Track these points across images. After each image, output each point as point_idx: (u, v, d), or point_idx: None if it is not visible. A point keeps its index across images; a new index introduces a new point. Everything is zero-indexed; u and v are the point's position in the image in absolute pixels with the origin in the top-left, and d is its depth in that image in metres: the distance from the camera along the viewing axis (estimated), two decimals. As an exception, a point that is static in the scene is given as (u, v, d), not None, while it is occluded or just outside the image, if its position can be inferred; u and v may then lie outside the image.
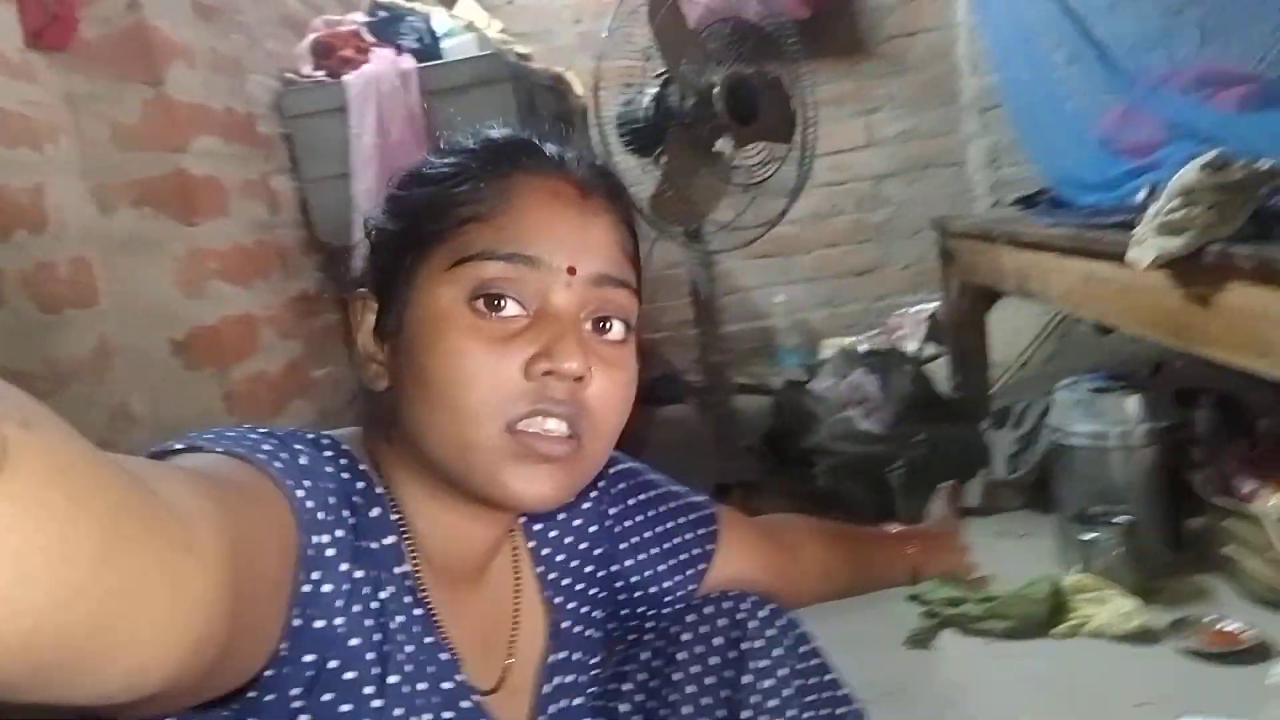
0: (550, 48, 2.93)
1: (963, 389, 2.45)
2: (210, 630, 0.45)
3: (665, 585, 0.87)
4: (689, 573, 0.88)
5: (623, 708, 0.84)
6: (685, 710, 0.81)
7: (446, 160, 0.69)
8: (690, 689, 0.82)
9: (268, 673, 0.54)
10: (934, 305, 3.04)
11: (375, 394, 0.69)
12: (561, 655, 0.79)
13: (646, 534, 0.87)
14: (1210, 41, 1.97)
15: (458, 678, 0.68)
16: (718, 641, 0.83)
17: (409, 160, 2.12)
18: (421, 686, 0.64)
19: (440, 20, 2.17)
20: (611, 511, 0.86)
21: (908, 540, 1.10)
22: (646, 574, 0.86)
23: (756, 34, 2.33)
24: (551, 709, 0.77)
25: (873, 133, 3.28)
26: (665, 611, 0.88)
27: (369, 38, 2.09)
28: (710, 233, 2.36)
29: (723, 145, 2.26)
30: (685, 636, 0.83)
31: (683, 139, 2.17)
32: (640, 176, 2.26)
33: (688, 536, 0.89)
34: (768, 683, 0.82)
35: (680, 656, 0.83)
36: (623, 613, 0.87)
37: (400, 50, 2.06)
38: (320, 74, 2.06)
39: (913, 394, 2.30)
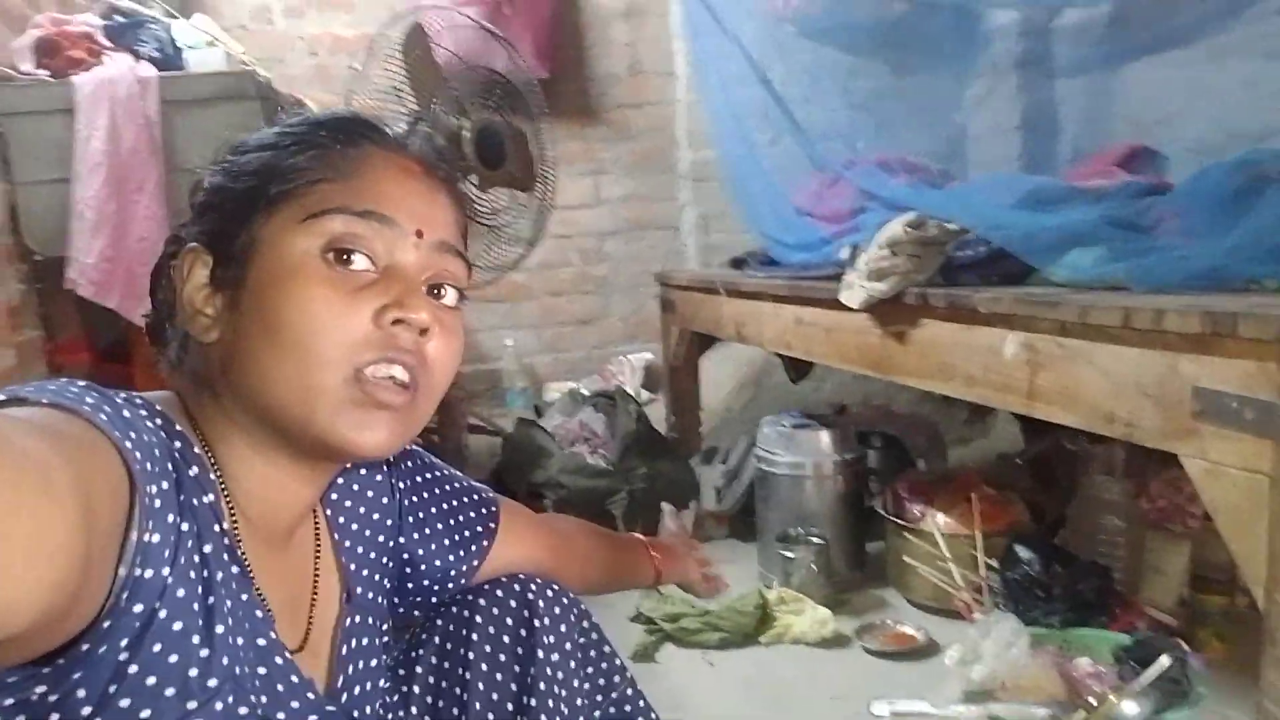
0: (283, 75, 2.88)
1: (677, 429, 2.65)
2: (69, 573, 0.46)
3: (448, 559, 0.91)
4: (471, 549, 0.92)
5: (416, 688, 0.88)
6: (480, 686, 0.87)
7: (291, 128, 0.72)
8: (484, 666, 0.87)
9: (104, 624, 0.54)
10: (648, 354, 3.26)
11: (197, 350, 0.69)
12: (356, 619, 0.80)
13: (432, 510, 0.90)
14: (882, 135, 2.34)
15: (271, 635, 0.68)
16: (510, 620, 0.88)
17: (141, 169, 1.97)
18: (241, 640, 0.64)
19: (182, 32, 2.07)
20: (401, 485, 0.89)
21: (652, 547, 1.21)
22: (431, 548, 0.90)
23: (504, 85, 2.44)
24: (350, 670, 0.79)
25: (599, 192, 3.49)
26: (453, 594, 0.92)
27: (104, 41, 1.96)
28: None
29: (469, 189, 2.33)
30: (479, 618, 0.88)
31: (429, 177, 2.22)
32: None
33: (471, 515, 0.93)
34: (555, 656, 0.89)
35: (474, 636, 0.88)
36: (409, 585, 0.90)
37: (138, 57, 1.95)
38: (43, 73, 1.90)
39: (636, 432, 2.46)
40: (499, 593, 0.90)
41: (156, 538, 0.56)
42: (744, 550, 2.21)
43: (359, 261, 0.67)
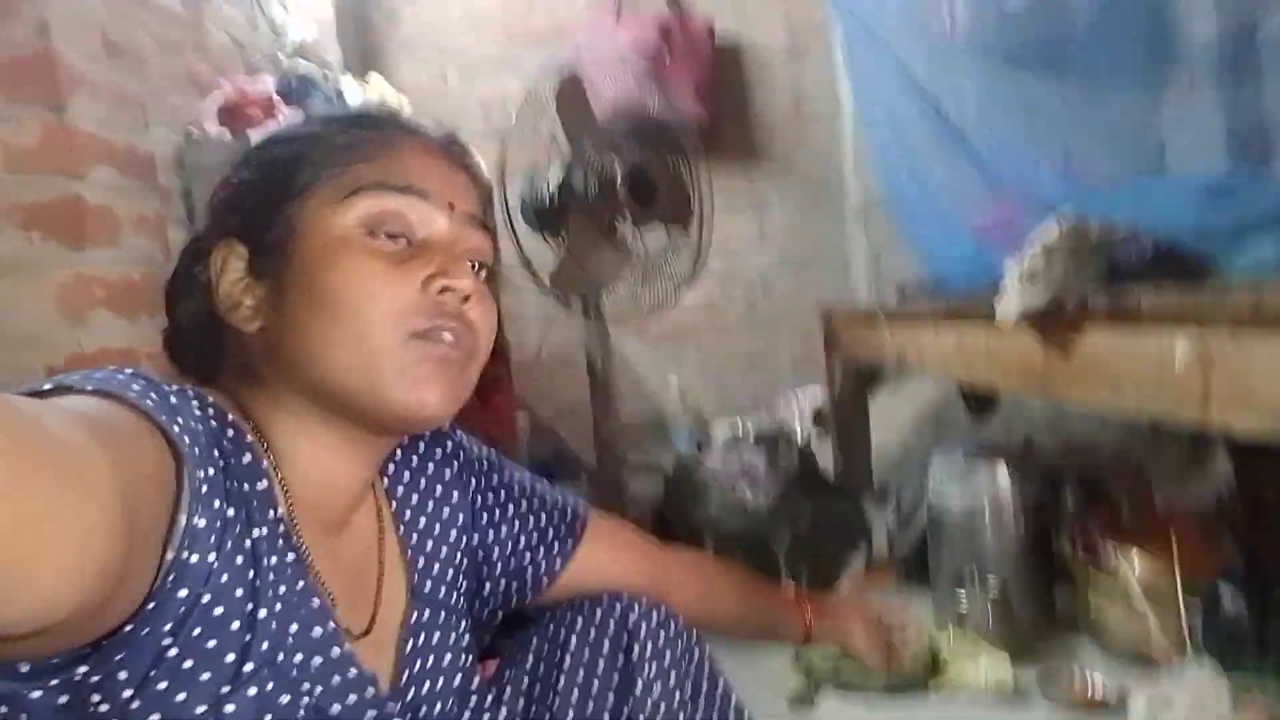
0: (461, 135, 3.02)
1: (846, 467, 2.55)
2: (110, 559, 0.47)
3: (524, 560, 0.89)
4: (552, 551, 0.90)
5: (504, 710, 0.85)
6: (569, 716, 0.83)
7: (315, 123, 0.76)
8: (575, 694, 0.83)
9: (148, 606, 0.54)
10: (816, 392, 3.16)
11: (240, 341, 0.71)
12: (425, 616, 0.79)
13: (509, 509, 0.89)
14: (1070, 157, 2.19)
15: (330, 625, 0.68)
16: (607, 644, 0.84)
17: None
18: (293, 628, 0.64)
19: (351, 91, 2.22)
20: (473, 483, 0.88)
21: (804, 603, 1.13)
22: (508, 548, 0.88)
23: (658, 126, 2.46)
24: (417, 666, 0.77)
25: (763, 229, 3.44)
26: (540, 599, 0.90)
27: (279, 101, 2.12)
28: (608, 306, 2.43)
29: (622, 227, 2.36)
30: (574, 639, 0.85)
31: (584, 218, 2.26)
32: (544, 252, 2.33)
33: (554, 518, 0.91)
34: (657, 687, 0.84)
35: (567, 660, 0.84)
36: (487, 585, 0.88)
37: (308, 113, 2.10)
38: (225, 132, 2.07)
39: (798, 471, 2.38)
40: (597, 612, 0.86)
41: (203, 522, 0.56)
42: (920, 599, 2.08)
43: (399, 235, 0.71)
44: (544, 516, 0.91)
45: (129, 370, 0.58)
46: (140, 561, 0.52)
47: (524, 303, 3.20)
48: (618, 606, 0.86)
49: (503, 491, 0.90)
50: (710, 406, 3.41)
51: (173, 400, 0.59)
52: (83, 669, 0.54)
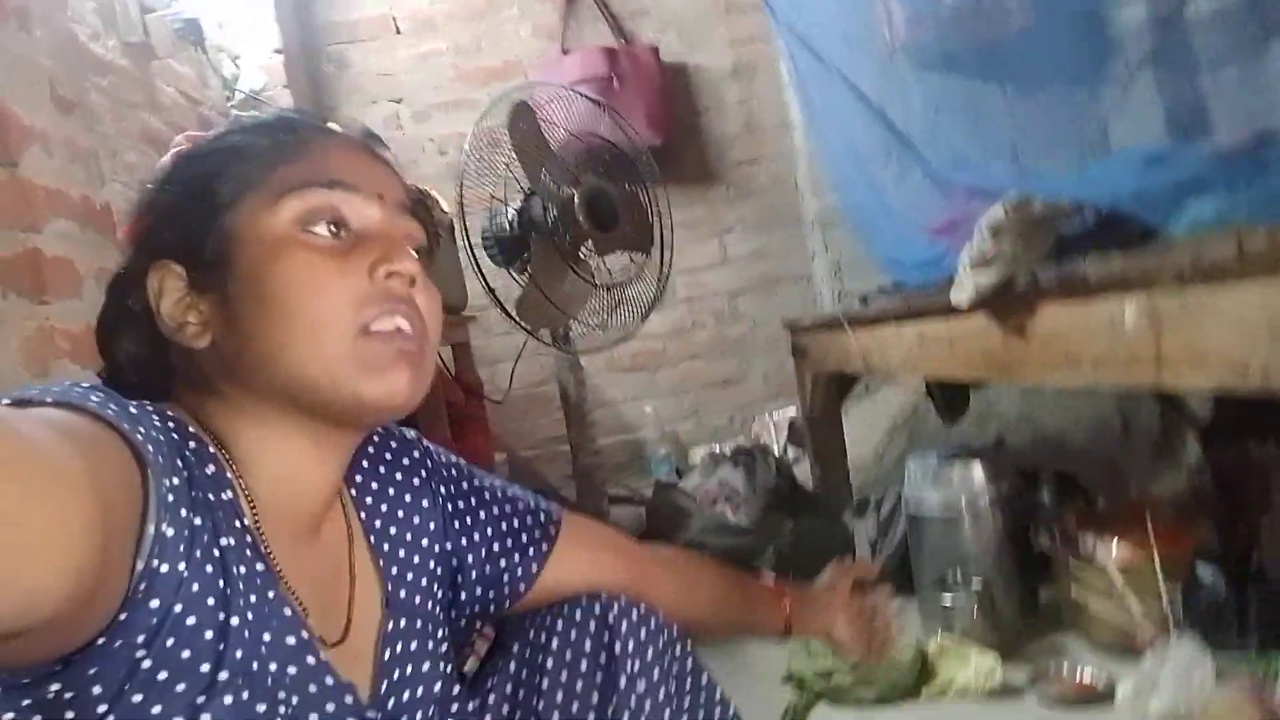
0: (417, 176, 3.02)
1: (824, 482, 2.54)
2: (88, 559, 0.47)
3: (499, 565, 0.87)
4: (526, 554, 0.88)
5: (488, 718, 0.83)
6: (555, 718, 0.81)
7: (228, 133, 0.75)
8: (559, 696, 0.81)
9: (120, 616, 0.54)
10: (792, 412, 3.16)
11: (191, 358, 0.70)
12: (401, 624, 0.78)
13: (480, 515, 0.87)
14: (1017, 157, 2.21)
15: (303, 634, 0.67)
16: (588, 644, 0.83)
17: None
18: (266, 637, 0.63)
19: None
20: (442, 490, 0.86)
21: (784, 593, 1.12)
22: (480, 554, 0.86)
23: (612, 152, 2.47)
24: (395, 675, 0.76)
25: (726, 252, 3.46)
26: (517, 604, 0.88)
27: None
28: (577, 335, 2.42)
29: (584, 253, 2.35)
30: (554, 642, 0.83)
31: (546, 247, 2.25)
32: (510, 286, 2.32)
33: (526, 522, 0.89)
34: (641, 685, 0.82)
35: (549, 663, 0.82)
36: (463, 593, 0.86)
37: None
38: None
39: (777, 486, 2.37)
40: (577, 614, 0.84)
41: (171, 531, 0.56)
42: (907, 608, 2.06)
43: (334, 229, 0.70)
44: (516, 521, 0.89)
45: (86, 384, 0.58)
46: (112, 569, 0.52)
47: (495, 343, 3.19)
48: (597, 605, 0.84)
49: (473, 498, 0.88)
50: (688, 433, 3.41)
51: (132, 410, 0.59)
52: (55, 685, 0.54)
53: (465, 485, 0.89)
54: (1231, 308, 0.78)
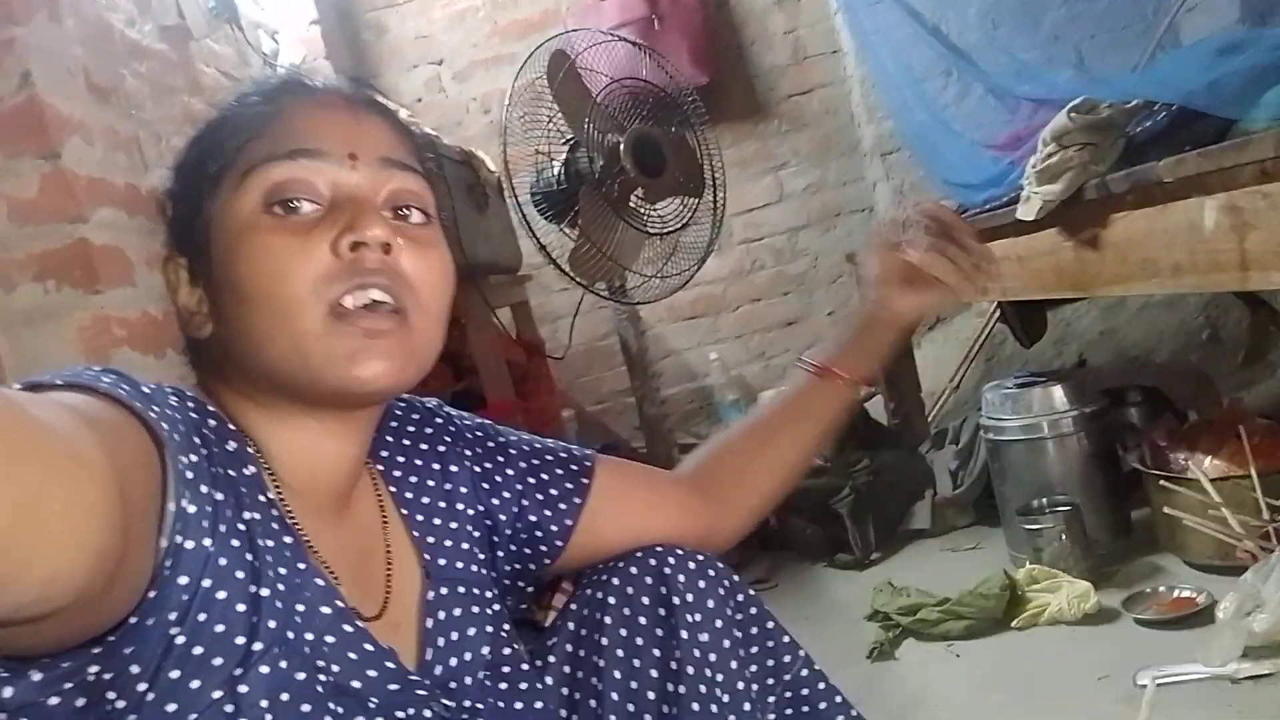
0: (463, 138, 3.00)
1: (899, 416, 2.48)
2: (108, 541, 0.46)
3: (530, 522, 0.84)
4: (558, 510, 0.85)
5: (549, 679, 0.82)
6: (616, 675, 0.79)
7: (219, 110, 0.72)
8: (620, 652, 0.80)
9: (150, 594, 0.54)
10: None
11: (204, 347, 0.70)
12: (443, 591, 0.77)
13: (508, 472, 0.85)
14: (1084, 64, 2.10)
15: (337, 603, 0.66)
16: (646, 599, 0.80)
17: None
18: (299, 608, 0.63)
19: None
20: (468, 453, 0.84)
21: (827, 368, 0.94)
22: (513, 510, 0.84)
23: (657, 95, 2.41)
24: (441, 642, 0.75)
25: (782, 188, 3.37)
26: (560, 554, 0.85)
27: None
28: (634, 287, 2.38)
29: (635, 201, 2.31)
30: (612, 599, 0.81)
31: (595, 198, 2.22)
32: (562, 242, 2.29)
33: (557, 473, 0.86)
34: (704, 635, 0.79)
35: (608, 619, 0.80)
36: (508, 549, 0.84)
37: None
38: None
39: (851, 423, 2.31)
40: (633, 569, 0.82)
41: (193, 508, 0.56)
42: (992, 536, 2.01)
43: (301, 203, 0.66)
44: (546, 475, 0.86)
45: (98, 367, 0.57)
46: (136, 548, 0.52)
47: (554, 300, 3.18)
48: (653, 559, 0.82)
49: (499, 456, 0.86)
50: (755, 376, 3.36)
51: (145, 390, 0.58)
52: (94, 668, 0.54)
53: (491, 444, 0.86)
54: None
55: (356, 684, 0.65)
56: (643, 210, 2.33)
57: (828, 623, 1.81)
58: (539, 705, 0.79)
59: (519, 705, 0.77)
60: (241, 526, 0.60)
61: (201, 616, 0.56)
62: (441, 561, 0.78)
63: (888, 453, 2.33)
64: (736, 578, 0.85)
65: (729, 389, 3.19)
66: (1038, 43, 2.16)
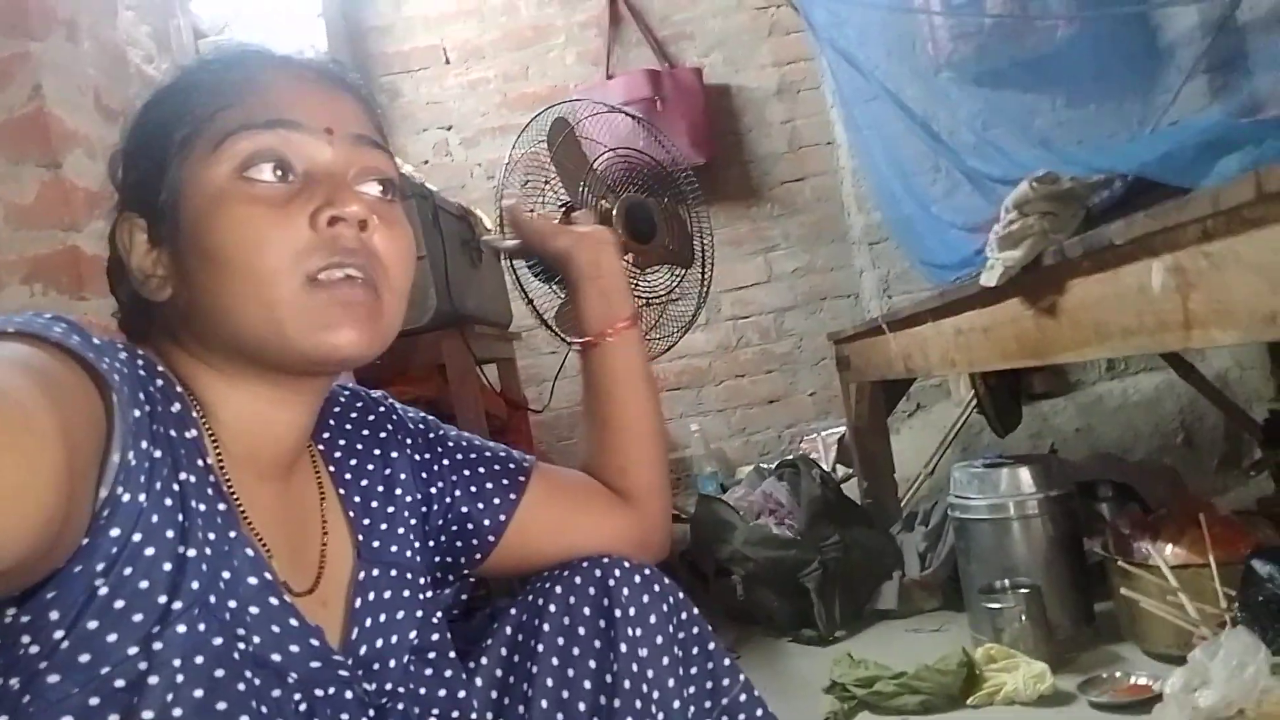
0: (467, 200, 3.07)
1: (872, 494, 2.49)
2: (55, 508, 0.47)
3: (463, 514, 0.85)
4: (492, 506, 0.86)
5: (479, 680, 0.82)
6: (548, 683, 0.79)
7: (182, 75, 0.72)
8: (555, 660, 0.79)
9: (84, 541, 0.54)
10: (841, 429, 3.11)
11: (156, 309, 0.70)
12: (374, 573, 0.77)
13: (446, 464, 0.86)
14: (1070, 169, 2.17)
15: (265, 575, 0.66)
16: (587, 610, 0.81)
17: None
18: (225, 575, 0.63)
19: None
20: (408, 442, 0.85)
21: (594, 333, 0.97)
22: (447, 502, 0.85)
23: (652, 168, 2.47)
24: (367, 623, 0.75)
25: (772, 269, 3.44)
26: (529, 582, 0.86)
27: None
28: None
29: (624, 265, 2.35)
30: (552, 606, 0.81)
31: (585, 259, 2.25)
32: (550, 298, 2.32)
33: (494, 471, 0.87)
34: (643, 651, 0.80)
35: (545, 626, 0.81)
36: (432, 542, 0.85)
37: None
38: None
39: (823, 497, 2.32)
40: (577, 579, 0.82)
41: (134, 461, 0.56)
42: (957, 620, 2.01)
43: (277, 173, 0.67)
44: (483, 470, 0.87)
45: (50, 314, 0.58)
46: (78, 506, 0.52)
47: (543, 362, 3.21)
48: (597, 571, 0.82)
49: (438, 447, 0.86)
50: (735, 450, 3.37)
51: (95, 341, 0.58)
52: (11, 610, 0.54)
53: (431, 436, 0.87)
54: (1255, 254, 0.75)
55: (276, 657, 0.65)
56: (632, 276, 2.37)
57: (787, 695, 1.79)
58: (461, 694, 0.78)
59: (442, 692, 0.78)
60: (176, 487, 0.60)
61: (127, 570, 0.56)
62: (375, 543, 0.78)
63: (859, 530, 2.33)
64: (681, 595, 0.85)
65: (707, 461, 3.20)
66: (1027, 145, 2.25)
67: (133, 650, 0.56)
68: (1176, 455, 2.76)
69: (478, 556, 0.86)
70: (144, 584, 0.57)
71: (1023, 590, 1.72)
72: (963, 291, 1.50)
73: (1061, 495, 1.83)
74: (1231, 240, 0.77)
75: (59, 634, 0.54)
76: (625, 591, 0.81)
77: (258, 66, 0.70)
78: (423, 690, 0.76)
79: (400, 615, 0.77)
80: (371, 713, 0.72)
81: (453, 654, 0.80)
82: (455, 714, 0.78)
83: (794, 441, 3.32)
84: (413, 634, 0.77)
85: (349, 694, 0.70)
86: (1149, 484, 2.26)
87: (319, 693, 0.68)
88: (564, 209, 1.86)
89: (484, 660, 0.82)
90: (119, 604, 0.56)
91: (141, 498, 0.57)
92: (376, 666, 0.74)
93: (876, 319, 2.00)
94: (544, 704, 0.78)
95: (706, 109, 3.27)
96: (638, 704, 0.78)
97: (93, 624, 0.55)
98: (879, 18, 2.80)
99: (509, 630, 0.83)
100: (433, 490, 0.84)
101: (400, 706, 0.74)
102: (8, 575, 0.47)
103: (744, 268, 3.40)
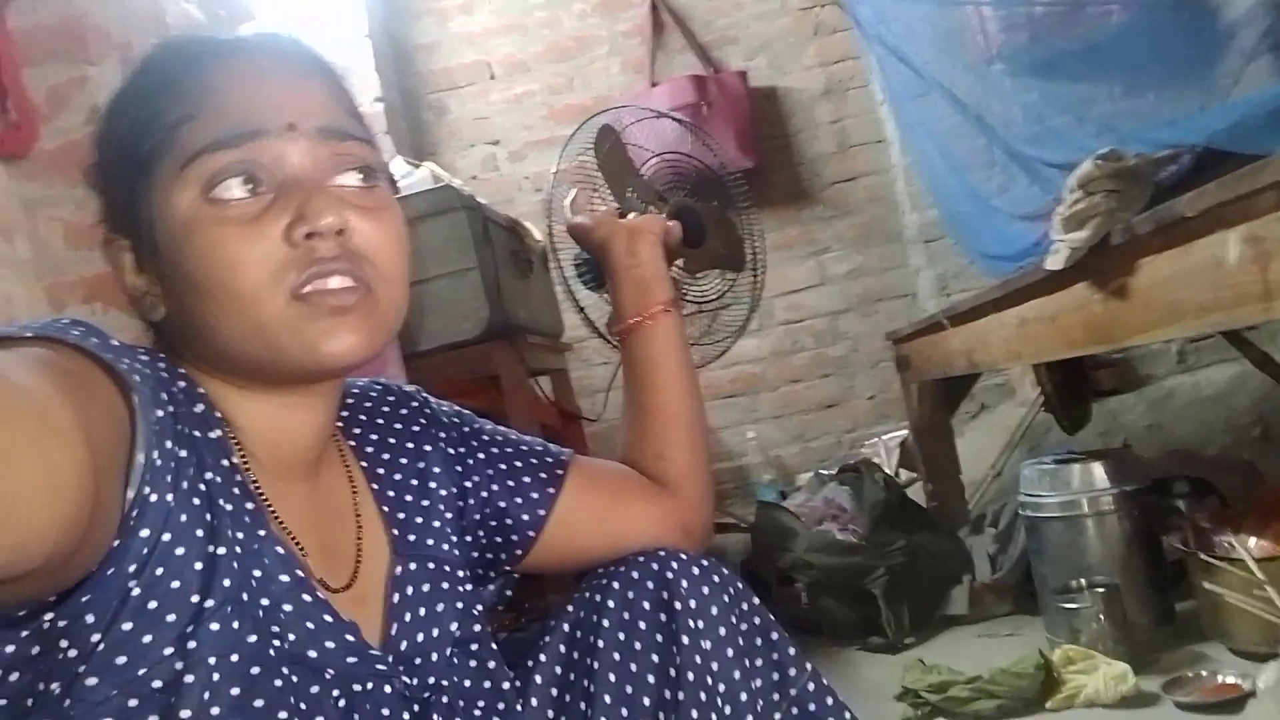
0: (515, 214, 3.09)
1: (938, 497, 2.43)
2: (78, 507, 0.47)
3: (501, 509, 0.83)
4: (530, 500, 0.84)
5: (539, 677, 0.80)
6: (610, 678, 0.77)
7: (136, 82, 0.68)
8: (617, 655, 0.77)
9: (114, 543, 0.54)
10: (903, 433, 3.06)
11: (159, 326, 0.69)
12: (411, 567, 0.76)
13: (480, 456, 0.84)
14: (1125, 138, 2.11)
15: (297, 572, 0.65)
16: (646, 604, 0.78)
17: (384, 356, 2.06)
18: (256, 574, 0.62)
19: (399, 167, 2.29)
20: (442, 436, 0.83)
21: (631, 319, 0.98)
22: (484, 496, 0.83)
23: (700, 172, 2.46)
24: (407, 618, 0.74)
25: (825, 272, 3.40)
26: (585, 580, 0.84)
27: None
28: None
29: (675, 271, 2.33)
30: (611, 602, 0.79)
31: (635, 266, 2.24)
32: (601, 306, 2.32)
33: (532, 465, 0.85)
34: (706, 643, 0.77)
35: (605, 622, 0.78)
36: (469, 537, 0.83)
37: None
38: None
39: (886, 501, 2.27)
40: (634, 574, 0.80)
41: (159, 461, 0.56)
42: (1031, 624, 1.94)
43: (248, 186, 0.64)
44: (520, 463, 0.85)
45: (66, 319, 0.58)
46: (105, 508, 0.52)
47: (595, 373, 3.20)
48: (654, 565, 0.80)
49: (473, 441, 0.85)
50: (793, 457, 3.33)
51: (114, 343, 0.58)
52: (49, 615, 0.54)
53: (466, 430, 0.86)
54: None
55: (312, 653, 0.65)
56: (682, 281, 2.35)
57: (857, 703, 1.71)
58: (505, 686, 0.77)
59: (487, 684, 0.76)
60: (202, 486, 0.60)
61: (159, 570, 0.56)
62: (411, 537, 0.77)
63: (924, 534, 2.27)
64: (742, 585, 0.83)
65: (765, 469, 3.17)
66: (1086, 129, 2.19)
67: (168, 651, 0.56)
68: (1254, 450, 2.65)
69: (519, 552, 0.85)
70: (176, 584, 0.57)
71: (1100, 589, 1.66)
72: (1026, 279, 1.45)
73: (1137, 490, 1.77)
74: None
75: (95, 637, 0.54)
76: (685, 584, 0.79)
77: (212, 66, 0.67)
78: (467, 683, 0.75)
79: (440, 608, 0.76)
80: (415, 707, 0.71)
81: (494, 646, 0.79)
82: (501, 706, 0.76)
83: (854, 447, 3.27)
84: (454, 627, 0.76)
85: (388, 689, 0.69)
86: (1226, 479, 2.17)
87: (357, 688, 0.67)
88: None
89: (543, 658, 0.80)
90: (152, 605, 0.56)
91: (169, 497, 0.57)
92: (418, 661, 0.73)
93: (936, 315, 1.96)
94: (607, 699, 0.76)
95: (753, 113, 3.25)
96: (703, 696, 0.75)
97: (127, 625, 0.55)
98: (926, 10, 2.76)
99: (567, 628, 0.81)
100: (468, 484, 0.83)
101: (445, 700, 0.73)
102: (37, 576, 0.47)
103: (796, 271, 3.37)
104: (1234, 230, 0.84)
